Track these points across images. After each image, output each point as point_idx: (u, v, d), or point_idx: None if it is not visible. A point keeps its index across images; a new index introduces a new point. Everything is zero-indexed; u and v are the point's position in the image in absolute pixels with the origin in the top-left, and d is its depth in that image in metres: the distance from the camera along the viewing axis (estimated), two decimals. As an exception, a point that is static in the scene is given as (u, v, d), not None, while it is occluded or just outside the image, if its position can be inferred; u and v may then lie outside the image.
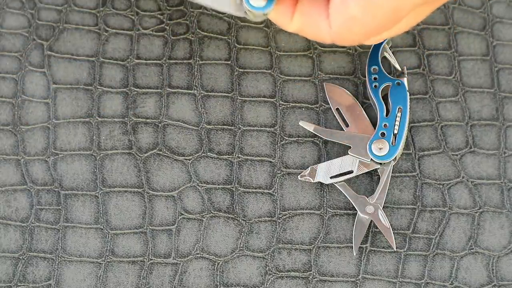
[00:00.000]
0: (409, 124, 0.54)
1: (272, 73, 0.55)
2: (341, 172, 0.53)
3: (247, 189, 0.53)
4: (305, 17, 0.47)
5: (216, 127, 0.54)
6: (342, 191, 0.53)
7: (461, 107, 0.55)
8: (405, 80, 0.54)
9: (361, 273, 0.52)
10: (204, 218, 0.53)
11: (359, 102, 0.54)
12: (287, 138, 0.54)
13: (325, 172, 0.53)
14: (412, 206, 0.53)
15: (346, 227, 0.53)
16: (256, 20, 0.48)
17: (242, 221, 0.53)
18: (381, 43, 0.54)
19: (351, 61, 0.56)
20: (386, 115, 0.53)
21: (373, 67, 0.54)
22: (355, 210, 0.52)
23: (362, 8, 0.44)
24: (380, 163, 0.53)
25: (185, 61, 0.55)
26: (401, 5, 0.44)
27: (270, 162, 0.54)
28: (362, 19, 0.45)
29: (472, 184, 0.54)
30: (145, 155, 0.54)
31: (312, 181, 0.53)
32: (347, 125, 0.54)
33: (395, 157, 0.52)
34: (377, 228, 0.52)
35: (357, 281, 0.52)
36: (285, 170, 0.54)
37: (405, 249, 0.52)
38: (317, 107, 0.55)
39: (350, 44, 0.47)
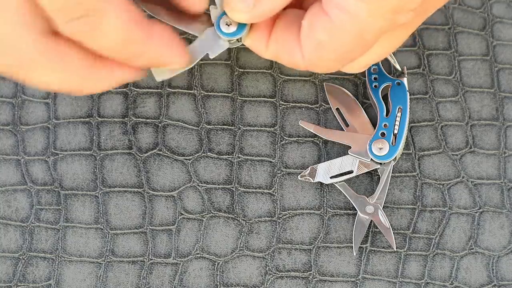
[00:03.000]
0: (409, 124, 0.54)
1: (272, 73, 0.55)
2: (341, 172, 0.53)
3: (247, 189, 0.53)
4: (280, 44, 0.46)
5: (216, 127, 0.54)
6: (342, 191, 0.53)
7: (461, 107, 0.55)
8: (405, 80, 0.54)
9: (361, 273, 0.52)
10: (204, 218, 0.53)
11: (359, 102, 0.54)
12: (287, 138, 0.54)
13: (325, 172, 0.53)
14: (412, 206, 0.53)
15: (346, 227, 0.53)
16: (232, 47, 0.48)
17: (242, 221, 0.53)
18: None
19: (351, 61, 0.56)
20: (386, 115, 0.53)
21: (373, 67, 0.54)
22: (355, 210, 0.52)
23: (328, 33, 0.44)
24: (380, 163, 0.53)
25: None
26: (365, 28, 0.43)
27: (270, 162, 0.54)
28: (330, 44, 0.45)
29: (472, 184, 0.54)
30: (145, 155, 0.54)
31: (312, 181, 0.53)
32: (347, 125, 0.54)
33: (395, 157, 0.52)
34: (377, 228, 0.52)
35: (357, 281, 0.52)
36: (285, 170, 0.54)
37: (405, 249, 0.52)
38: (317, 107, 0.55)
39: (325, 71, 0.47)
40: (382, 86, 0.54)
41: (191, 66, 0.48)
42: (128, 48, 0.44)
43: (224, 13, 0.47)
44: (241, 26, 0.47)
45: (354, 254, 0.52)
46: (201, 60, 0.55)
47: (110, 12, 0.42)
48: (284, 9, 0.47)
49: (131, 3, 0.43)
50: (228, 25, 0.47)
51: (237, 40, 0.48)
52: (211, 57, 0.48)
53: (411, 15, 0.44)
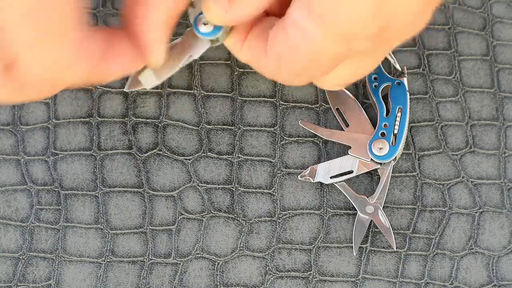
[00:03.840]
0: (409, 124, 0.54)
1: (272, 73, 0.55)
2: (341, 172, 0.53)
3: (247, 189, 0.53)
4: (251, 49, 0.47)
5: (216, 127, 0.54)
6: (342, 191, 0.53)
7: (461, 107, 0.55)
8: (405, 80, 0.54)
9: (361, 273, 0.52)
10: (204, 218, 0.53)
11: (359, 102, 0.54)
12: (287, 138, 0.54)
13: (325, 172, 0.53)
14: (412, 206, 0.53)
15: (346, 227, 0.53)
16: (213, 45, 0.49)
17: (242, 221, 0.53)
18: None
19: (351, 61, 0.56)
20: (386, 115, 0.53)
21: (373, 67, 0.54)
22: (355, 210, 0.52)
23: (286, 48, 0.45)
24: (380, 163, 0.53)
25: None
26: (319, 51, 0.44)
27: (270, 162, 0.54)
28: (287, 59, 0.45)
29: (472, 184, 0.54)
30: (145, 155, 0.54)
31: (312, 181, 0.53)
32: (347, 125, 0.54)
33: (395, 157, 0.52)
34: (377, 228, 0.52)
35: (357, 281, 0.52)
36: (285, 170, 0.54)
37: (405, 249, 0.52)
38: (317, 107, 0.55)
39: (288, 83, 0.48)
40: (382, 86, 0.54)
41: (177, 69, 0.49)
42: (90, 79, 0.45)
43: (201, 13, 0.48)
44: (218, 26, 0.48)
45: (354, 254, 0.52)
46: (201, 60, 0.55)
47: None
48: (266, 15, 0.47)
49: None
50: (205, 25, 0.48)
51: (216, 39, 0.48)
52: (195, 57, 0.49)
53: (368, 44, 0.44)
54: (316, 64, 0.45)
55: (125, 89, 0.51)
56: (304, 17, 0.43)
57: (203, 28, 0.48)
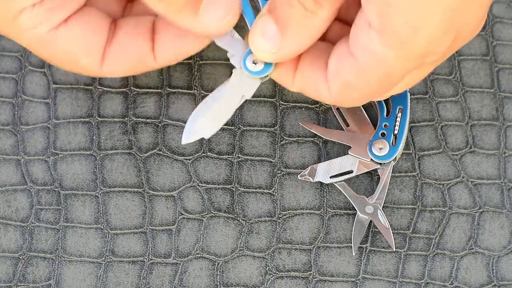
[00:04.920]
0: (409, 124, 0.54)
1: (272, 73, 0.55)
2: (341, 172, 0.53)
3: (247, 189, 0.53)
4: (306, 79, 0.46)
5: (216, 127, 0.54)
6: (342, 191, 0.53)
7: (461, 107, 0.55)
8: (405, 80, 0.54)
9: (361, 273, 0.52)
10: (204, 218, 0.53)
11: (359, 102, 0.54)
12: (287, 138, 0.54)
13: (325, 171, 0.53)
14: (412, 206, 0.53)
15: (346, 227, 0.53)
16: (263, 81, 0.47)
17: (242, 221, 0.53)
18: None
19: (351, 61, 0.56)
20: (387, 115, 0.53)
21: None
22: (355, 210, 0.52)
23: (355, 75, 0.44)
24: (380, 163, 0.53)
25: (185, 61, 0.55)
26: (392, 71, 0.43)
27: (270, 162, 0.54)
28: (356, 85, 0.44)
29: (472, 184, 0.54)
30: (145, 155, 0.54)
31: (312, 181, 0.53)
32: (347, 125, 0.54)
33: (395, 157, 0.52)
34: (377, 228, 0.52)
35: (357, 281, 0.52)
36: (285, 170, 0.54)
37: (405, 249, 0.52)
38: (317, 107, 0.55)
39: (351, 106, 0.48)
40: (382, 86, 0.54)
41: (232, 113, 0.47)
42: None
43: (250, 51, 0.46)
44: (268, 64, 0.46)
45: (353, 254, 0.52)
46: (201, 60, 0.55)
47: None
48: None
49: None
50: (255, 64, 0.46)
51: (264, 77, 0.47)
52: (248, 97, 0.47)
53: (437, 57, 0.44)
54: (387, 83, 0.44)
55: (182, 142, 0.47)
56: (377, 42, 0.42)
57: (253, 67, 0.46)
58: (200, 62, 0.55)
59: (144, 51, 0.47)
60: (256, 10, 0.47)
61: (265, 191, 0.53)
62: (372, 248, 0.52)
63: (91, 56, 0.47)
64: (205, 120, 0.46)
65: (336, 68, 0.45)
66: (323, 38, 0.47)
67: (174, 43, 0.47)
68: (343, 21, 0.47)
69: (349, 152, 0.53)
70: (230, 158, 0.54)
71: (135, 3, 0.49)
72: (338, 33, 0.47)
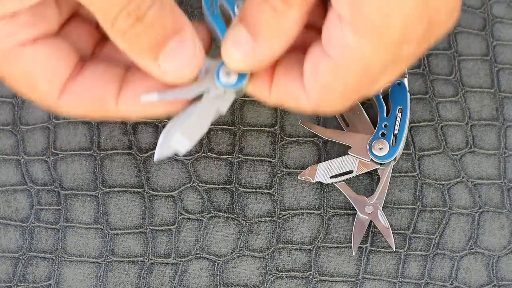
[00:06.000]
0: (409, 124, 0.54)
1: (272, 73, 0.55)
2: (341, 172, 0.53)
3: (247, 189, 0.53)
4: (282, 89, 0.45)
5: (216, 127, 0.54)
6: (342, 191, 0.53)
7: (461, 107, 0.55)
8: (405, 81, 0.54)
9: (361, 273, 0.52)
10: (204, 218, 0.53)
11: (359, 102, 0.54)
12: (287, 138, 0.54)
13: (325, 171, 0.53)
14: (412, 206, 0.53)
15: (346, 227, 0.53)
16: (237, 96, 0.46)
17: (242, 221, 0.53)
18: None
19: (351, 61, 0.56)
20: (387, 115, 0.53)
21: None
22: (355, 210, 0.52)
23: (332, 74, 0.43)
24: (380, 163, 0.53)
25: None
26: (369, 64, 0.42)
27: (270, 162, 0.54)
28: (335, 86, 0.43)
29: (472, 184, 0.54)
30: (145, 155, 0.54)
31: (312, 181, 0.53)
32: (347, 125, 0.54)
33: (395, 157, 0.52)
34: (377, 228, 0.52)
35: (357, 281, 0.52)
36: (285, 170, 0.54)
37: (405, 249, 0.52)
38: (317, 107, 0.55)
39: (332, 112, 0.46)
40: (383, 86, 0.54)
41: (207, 129, 0.45)
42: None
43: (222, 64, 0.45)
44: (242, 75, 0.45)
45: (353, 254, 0.52)
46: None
47: None
48: (284, 52, 0.45)
49: None
50: (229, 75, 0.45)
51: (239, 90, 0.45)
52: (223, 111, 0.46)
53: (415, 46, 0.43)
54: (367, 79, 0.43)
55: (155, 160, 0.46)
56: (350, 35, 0.41)
57: (226, 80, 0.45)
58: (200, 62, 0.55)
59: (108, 94, 0.45)
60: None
61: (265, 191, 0.53)
62: (372, 248, 0.52)
63: (50, 84, 0.45)
64: (180, 135, 0.45)
65: (312, 72, 0.44)
66: (297, 49, 0.46)
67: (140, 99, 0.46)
68: (316, 28, 0.46)
69: (349, 152, 0.53)
70: (230, 158, 0.54)
71: (106, 45, 0.48)
72: (311, 42, 0.45)
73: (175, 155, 0.53)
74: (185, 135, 0.45)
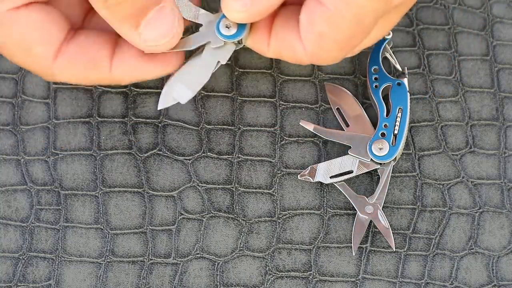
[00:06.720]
0: (409, 124, 0.54)
1: (272, 73, 0.55)
2: (341, 172, 0.53)
3: (247, 189, 0.53)
4: (280, 41, 0.47)
5: (216, 127, 0.54)
6: (342, 191, 0.53)
7: (461, 107, 0.55)
8: (405, 81, 0.54)
9: (361, 273, 0.52)
10: (204, 218, 0.53)
11: (359, 102, 0.54)
12: (287, 138, 0.54)
13: (325, 171, 0.53)
14: (412, 206, 0.53)
15: (346, 227, 0.53)
16: (237, 48, 0.48)
17: (242, 221, 0.53)
18: (382, 43, 0.54)
19: (351, 61, 0.56)
20: (387, 115, 0.53)
21: (374, 67, 0.54)
22: (355, 210, 0.52)
23: (327, 23, 0.45)
24: (380, 163, 0.53)
25: (185, 61, 0.55)
26: (362, 12, 0.44)
27: (270, 162, 0.54)
28: (330, 34, 0.45)
29: (472, 184, 0.54)
30: (145, 155, 0.54)
31: (312, 181, 0.53)
32: (347, 125, 0.54)
33: (395, 157, 0.52)
34: (377, 228, 0.52)
35: (357, 281, 0.52)
36: (285, 170, 0.54)
37: (405, 249, 0.52)
38: (317, 107, 0.55)
39: (329, 62, 0.47)
40: (383, 86, 0.54)
41: (208, 78, 0.48)
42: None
43: (223, 16, 0.47)
44: (241, 27, 0.47)
45: (353, 254, 0.52)
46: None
47: None
48: (282, 6, 0.47)
49: None
50: (228, 28, 0.47)
51: (239, 42, 0.48)
52: (223, 63, 0.48)
53: None
54: (361, 28, 0.45)
55: (159, 107, 0.49)
56: None
57: (226, 31, 0.47)
58: (200, 62, 0.55)
59: (102, 56, 0.47)
60: None
61: (265, 191, 0.53)
62: (372, 248, 0.52)
63: (46, 46, 0.46)
64: (182, 85, 0.48)
65: (307, 21, 0.45)
66: (294, 2, 0.47)
67: (134, 60, 0.47)
68: None
69: (349, 152, 0.53)
70: (230, 158, 0.54)
71: (95, 16, 0.49)
72: None
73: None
74: (186, 85, 0.48)
